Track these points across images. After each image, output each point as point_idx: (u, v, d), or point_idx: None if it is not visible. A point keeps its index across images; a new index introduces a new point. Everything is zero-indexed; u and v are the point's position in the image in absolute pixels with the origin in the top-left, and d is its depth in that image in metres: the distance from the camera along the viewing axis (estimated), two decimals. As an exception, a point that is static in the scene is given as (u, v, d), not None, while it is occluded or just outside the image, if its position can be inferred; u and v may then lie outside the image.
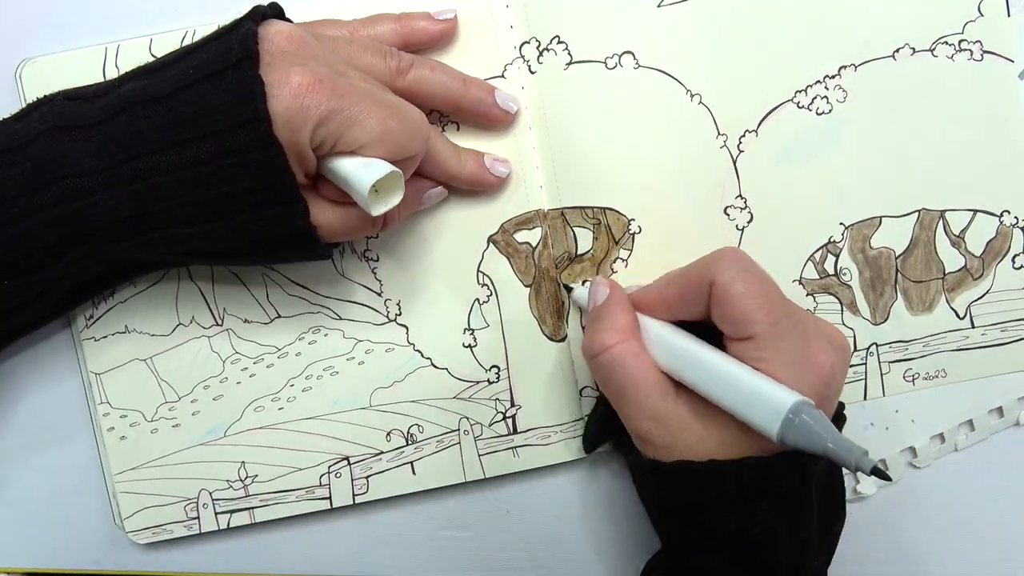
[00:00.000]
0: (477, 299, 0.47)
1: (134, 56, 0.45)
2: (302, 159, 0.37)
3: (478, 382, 0.47)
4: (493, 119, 0.45)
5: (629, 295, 0.42)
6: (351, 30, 0.42)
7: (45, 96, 0.39)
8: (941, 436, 0.48)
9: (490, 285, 0.47)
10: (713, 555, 0.38)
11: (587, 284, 0.45)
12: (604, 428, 0.45)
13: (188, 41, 0.45)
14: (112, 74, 0.45)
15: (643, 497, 0.43)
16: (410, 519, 0.48)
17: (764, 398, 0.36)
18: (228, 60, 0.36)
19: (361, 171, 0.37)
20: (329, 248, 0.41)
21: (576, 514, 0.48)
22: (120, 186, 0.37)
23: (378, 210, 0.38)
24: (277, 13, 0.41)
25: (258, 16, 0.38)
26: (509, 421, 0.47)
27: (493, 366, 0.47)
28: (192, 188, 0.36)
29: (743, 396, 0.36)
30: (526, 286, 0.47)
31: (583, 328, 0.47)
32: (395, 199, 0.38)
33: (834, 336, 0.40)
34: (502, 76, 0.46)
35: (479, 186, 0.45)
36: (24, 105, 0.40)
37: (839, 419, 0.41)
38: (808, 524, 0.38)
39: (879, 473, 0.34)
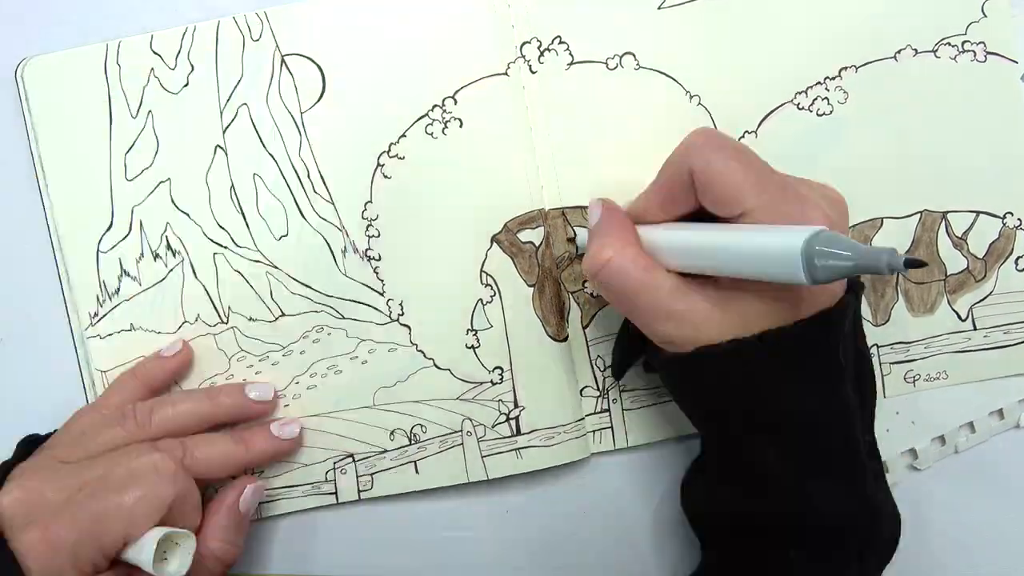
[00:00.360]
0: (480, 299, 0.47)
1: (135, 54, 0.45)
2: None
3: (481, 383, 0.47)
4: (255, 415, 0.46)
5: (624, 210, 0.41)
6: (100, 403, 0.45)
7: None
8: (942, 438, 0.48)
9: (493, 285, 0.47)
10: (755, 435, 0.37)
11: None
12: (628, 350, 0.44)
13: (188, 39, 0.45)
14: (113, 72, 0.45)
15: (679, 400, 0.42)
16: (412, 520, 0.48)
17: (778, 242, 0.33)
18: None
19: (138, 557, 0.38)
20: None
21: (577, 515, 0.48)
22: None
23: (183, 566, 0.39)
24: (31, 442, 0.43)
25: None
26: (512, 422, 0.47)
27: (496, 367, 0.47)
28: None
29: (756, 251, 0.34)
30: (530, 286, 0.47)
31: (583, 328, 0.47)
32: (190, 543, 0.39)
33: (828, 192, 0.38)
34: (504, 74, 0.46)
35: (275, 459, 0.47)
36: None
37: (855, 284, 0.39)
38: (844, 393, 0.37)
39: (914, 263, 0.30)
